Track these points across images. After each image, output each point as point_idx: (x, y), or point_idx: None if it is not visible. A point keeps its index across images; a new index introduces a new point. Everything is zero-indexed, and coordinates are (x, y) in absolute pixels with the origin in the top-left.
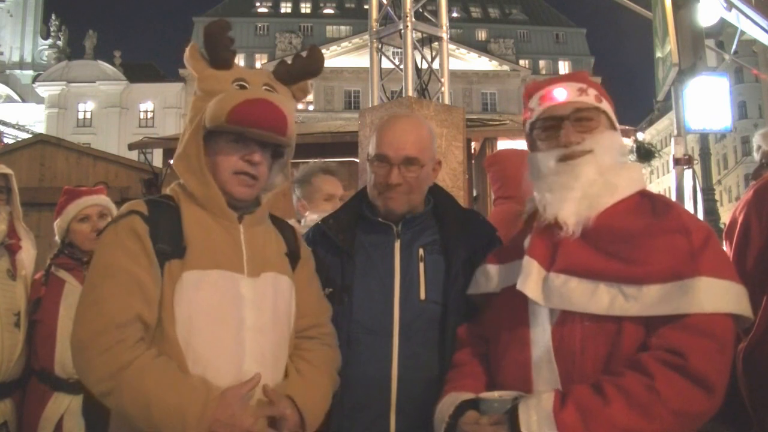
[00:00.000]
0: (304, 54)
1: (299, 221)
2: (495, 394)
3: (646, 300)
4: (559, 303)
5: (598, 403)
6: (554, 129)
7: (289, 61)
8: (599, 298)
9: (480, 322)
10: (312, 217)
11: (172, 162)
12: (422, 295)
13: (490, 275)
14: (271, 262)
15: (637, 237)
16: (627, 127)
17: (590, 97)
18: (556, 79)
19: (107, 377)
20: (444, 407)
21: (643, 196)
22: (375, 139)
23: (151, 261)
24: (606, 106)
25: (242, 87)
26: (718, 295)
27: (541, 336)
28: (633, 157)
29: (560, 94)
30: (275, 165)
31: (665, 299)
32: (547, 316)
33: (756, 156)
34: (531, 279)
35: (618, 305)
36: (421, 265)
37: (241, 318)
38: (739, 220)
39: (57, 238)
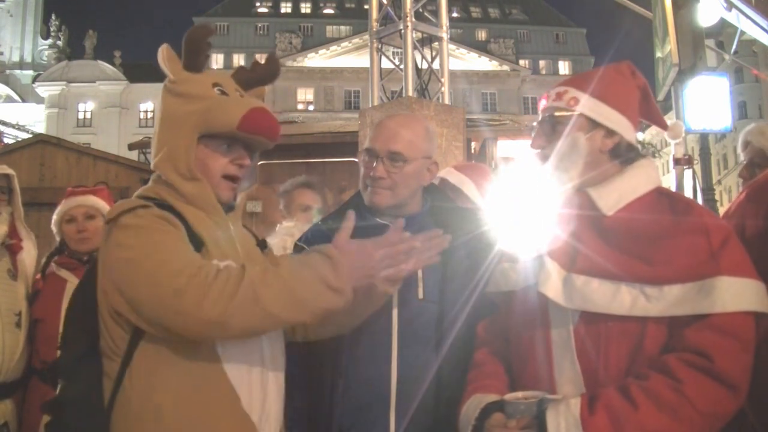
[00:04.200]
0: (262, 61)
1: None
2: (519, 395)
3: (668, 300)
4: (581, 304)
5: (627, 407)
6: None
7: (249, 68)
8: (621, 299)
9: (499, 320)
10: (287, 224)
11: (154, 165)
12: (420, 295)
13: (508, 274)
14: (255, 255)
15: (657, 237)
16: None
17: (563, 101)
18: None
19: (227, 297)
20: (469, 410)
21: (661, 194)
22: (369, 135)
23: (188, 244)
24: (585, 107)
25: (223, 93)
26: (739, 294)
27: (563, 336)
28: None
29: (545, 99)
30: None
31: (687, 299)
32: (568, 317)
33: (742, 154)
34: (551, 280)
35: (640, 306)
36: None
37: None
38: (733, 222)
39: (57, 237)
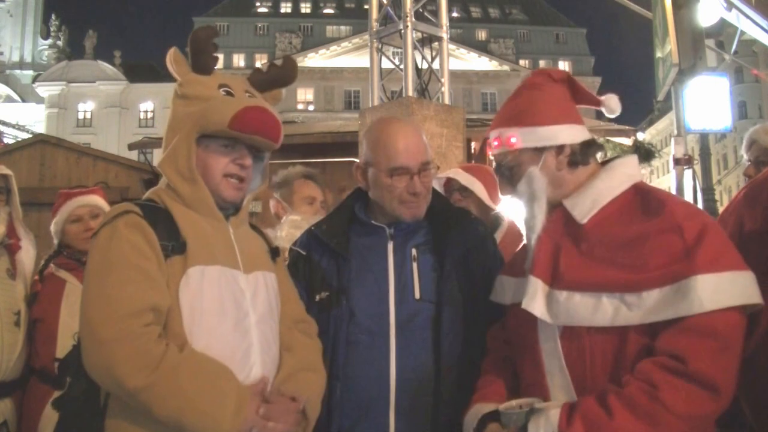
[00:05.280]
0: (279, 63)
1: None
2: (514, 404)
3: (647, 306)
4: (566, 320)
5: (603, 416)
6: None
7: (265, 70)
8: (603, 311)
9: (504, 327)
10: (294, 217)
11: (157, 165)
12: (417, 295)
13: (505, 288)
14: (259, 259)
15: (631, 240)
16: (627, 127)
17: (503, 145)
18: None
19: (143, 369)
20: (469, 419)
21: (636, 192)
22: (385, 151)
23: (157, 254)
24: (523, 141)
25: (228, 93)
26: (717, 291)
27: (551, 348)
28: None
29: (489, 149)
30: (255, 168)
31: (665, 304)
32: (554, 329)
33: (745, 154)
34: (537, 298)
35: (621, 315)
36: (415, 265)
37: (245, 311)
38: (730, 222)
39: (54, 240)
